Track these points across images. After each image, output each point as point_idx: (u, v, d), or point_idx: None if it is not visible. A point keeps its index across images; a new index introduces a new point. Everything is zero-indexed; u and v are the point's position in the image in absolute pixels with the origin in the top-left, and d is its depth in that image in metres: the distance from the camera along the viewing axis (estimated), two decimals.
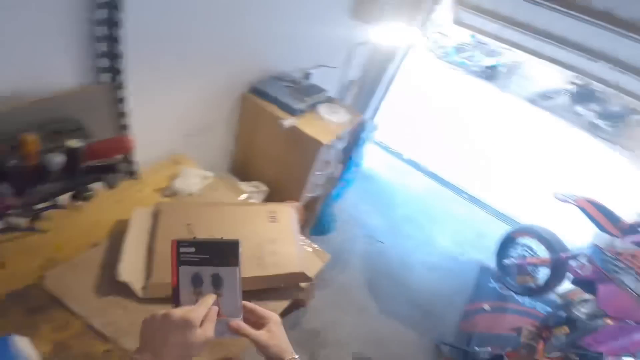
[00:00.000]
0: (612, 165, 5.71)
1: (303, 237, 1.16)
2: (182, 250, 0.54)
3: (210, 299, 0.55)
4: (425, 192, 3.17)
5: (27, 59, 0.80)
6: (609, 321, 1.59)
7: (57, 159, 0.75)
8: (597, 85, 5.89)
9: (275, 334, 0.60)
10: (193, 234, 0.99)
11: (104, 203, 1.02)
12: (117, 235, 1.03)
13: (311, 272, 1.03)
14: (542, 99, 6.66)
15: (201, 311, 0.53)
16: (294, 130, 1.49)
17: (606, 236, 1.76)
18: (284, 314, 1.76)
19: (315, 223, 2.17)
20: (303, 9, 1.50)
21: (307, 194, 1.82)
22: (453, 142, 4.26)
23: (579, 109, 6.36)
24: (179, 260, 0.54)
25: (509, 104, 6.47)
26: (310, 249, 1.17)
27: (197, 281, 0.55)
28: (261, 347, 0.59)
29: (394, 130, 3.69)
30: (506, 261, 2.46)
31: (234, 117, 1.57)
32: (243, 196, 1.34)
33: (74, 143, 0.77)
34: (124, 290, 0.91)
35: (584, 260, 1.79)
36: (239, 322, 0.58)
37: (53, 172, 0.77)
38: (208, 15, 1.12)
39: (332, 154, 1.80)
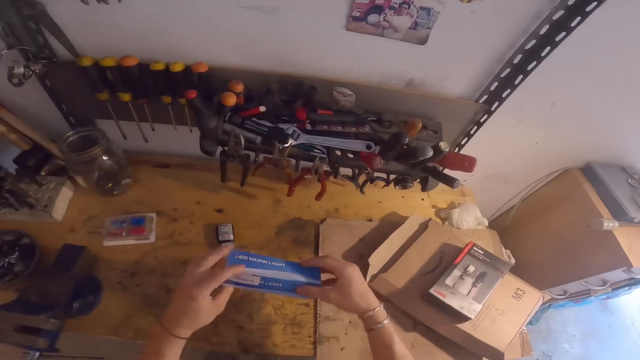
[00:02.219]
0: None
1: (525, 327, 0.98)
2: (475, 247, 0.99)
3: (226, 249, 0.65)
4: None
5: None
6: None
7: (429, 152, 0.81)
8: None
9: (345, 292, 0.64)
10: (439, 260, 1.01)
11: (392, 192, 1.10)
12: (387, 223, 1.15)
13: (507, 356, 0.89)
14: None
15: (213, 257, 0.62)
16: (605, 232, 1.17)
17: None
18: None
19: None
20: None
21: (552, 293, 1.48)
22: None
23: None
24: (469, 252, 0.98)
25: None
26: (520, 337, 0.96)
27: (465, 271, 0.94)
28: (339, 307, 0.67)
29: None
30: None
31: (536, 181, 1.39)
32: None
33: (444, 146, 0.81)
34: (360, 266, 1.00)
35: None
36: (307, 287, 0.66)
37: (412, 157, 0.84)
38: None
39: (618, 278, 1.36)
